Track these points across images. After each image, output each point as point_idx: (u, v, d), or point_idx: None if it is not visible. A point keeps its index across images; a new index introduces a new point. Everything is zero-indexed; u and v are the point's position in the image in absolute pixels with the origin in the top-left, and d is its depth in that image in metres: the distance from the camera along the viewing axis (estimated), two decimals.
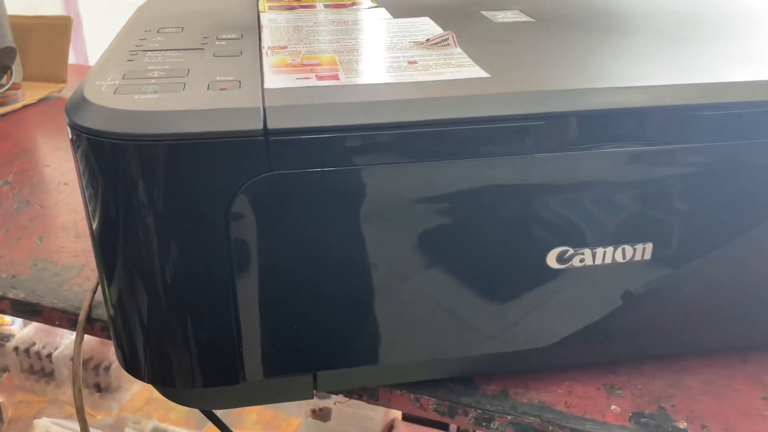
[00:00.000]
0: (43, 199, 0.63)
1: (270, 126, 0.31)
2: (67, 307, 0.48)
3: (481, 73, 0.36)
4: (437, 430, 0.98)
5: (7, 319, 1.23)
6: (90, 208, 0.34)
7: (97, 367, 1.15)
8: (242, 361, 0.37)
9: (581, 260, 0.36)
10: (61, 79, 0.95)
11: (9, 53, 0.88)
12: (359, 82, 0.35)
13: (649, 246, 0.37)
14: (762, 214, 0.38)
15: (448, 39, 0.40)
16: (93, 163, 0.32)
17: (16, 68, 0.89)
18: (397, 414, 1.02)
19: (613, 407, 0.40)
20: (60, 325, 0.49)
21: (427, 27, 0.44)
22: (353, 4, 0.52)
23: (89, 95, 0.32)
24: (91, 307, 0.47)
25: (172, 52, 0.38)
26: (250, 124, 0.30)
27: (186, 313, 0.35)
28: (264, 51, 0.39)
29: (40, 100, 0.91)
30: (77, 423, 0.46)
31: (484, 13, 0.48)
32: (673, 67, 0.38)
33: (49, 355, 1.17)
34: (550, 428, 0.38)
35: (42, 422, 1.07)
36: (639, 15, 0.48)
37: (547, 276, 0.37)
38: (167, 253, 0.33)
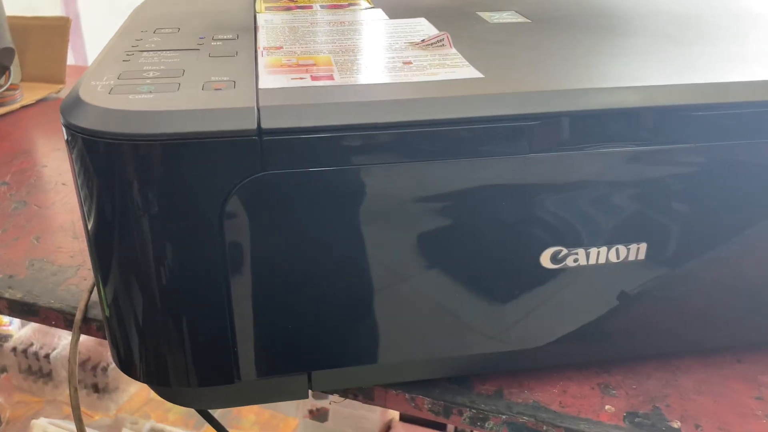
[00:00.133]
0: (40, 199, 0.64)
1: (264, 126, 0.31)
2: (64, 307, 0.48)
3: (476, 74, 0.36)
4: (434, 430, 0.98)
5: (6, 319, 1.23)
6: (85, 207, 0.34)
7: (94, 367, 1.15)
8: (237, 361, 0.37)
9: (575, 260, 0.37)
10: (59, 80, 0.95)
11: (7, 54, 0.88)
12: (354, 83, 0.35)
13: (643, 246, 0.37)
14: (756, 214, 0.38)
15: (443, 39, 0.40)
16: (88, 163, 0.32)
17: (15, 69, 0.89)
18: (395, 414, 1.02)
19: (607, 407, 0.40)
20: (56, 325, 0.49)
21: (422, 28, 0.44)
22: (350, 4, 0.52)
23: (84, 95, 0.32)
24: (87, 307, 0.47)
25: (168, 52, 0.39)
26: (244, 123, 0.31)
27: (181, 312, 0.35)
28: (260, 51, 0.39)
29: (39, 101, 0.91)
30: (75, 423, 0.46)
31: (480, 14, 0.48)
32: (666, 67, 0.38)
33: (47, 356, 1.17)
34: (545, 428, 0.38)
35: (39, 422, 1.07)
36: (634, 16, 0.48)
37: (541, 276, 0.37)
38: (162, 252, 0.33)
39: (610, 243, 0.37)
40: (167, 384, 0.38)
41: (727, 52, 0.40)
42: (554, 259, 0.36)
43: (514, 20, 0.47)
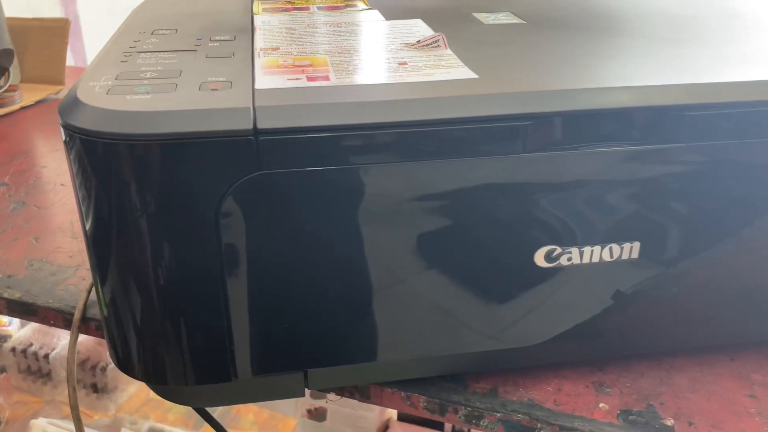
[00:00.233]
0: (39, 199, 0.64)
1: (260, 126, 0.31)
2: (63, 307, 0.48)
3: (470, 74, 0.36)
4: (432, 430, 0.98)
5: (5, 319, 1.23)
6: (83, 207, 0.34)
7: (94, 367, 1.15)
8: (234, 359, 0.37)
9: (569, 259, 0.37)
10: (58, 81, 0.96)
11: (7, 55, 0.88)
12: (349, 83, 0.35)
13: (637, 245, 0.37)
14: (748, 214, 0.38)
15: (438, 40, 0.41)
16: (86, 163, 0.32)
17: (14, 70, 0.90)
18: (393, 414, 1.02)
19: (601, 405, 0.40)
20: (55, 325, 0.49)
21: (418, 29, 0.45)
22: (346, 6, 0.53)
23: (82, 96, 0.33)
24: (86, 306, 0.47)
25: (166, 53, 0.39)
26: (240, 123, 0.31)
27: (178, 311, 0.36)
28: (256, 52, 0.40)
29: (38, 102, 0.92)
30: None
31: (476, 15, 0.49)
32: (659, 67, 0.38)
33: (47, 356, 1.17)
34: (539, 425, 0.39)
35: (38, 422, 1.07)
36: (628, 17, 0.49)
37: (535, 274, 0.37)
38: (159, 251, 0.33)
39: (603, 242, 0.37)
40: (165, 382, 0.38)
41: (720, 53, 0.41)
42: (548, 257, 0.37)
43: (509, 21, 0.47)
